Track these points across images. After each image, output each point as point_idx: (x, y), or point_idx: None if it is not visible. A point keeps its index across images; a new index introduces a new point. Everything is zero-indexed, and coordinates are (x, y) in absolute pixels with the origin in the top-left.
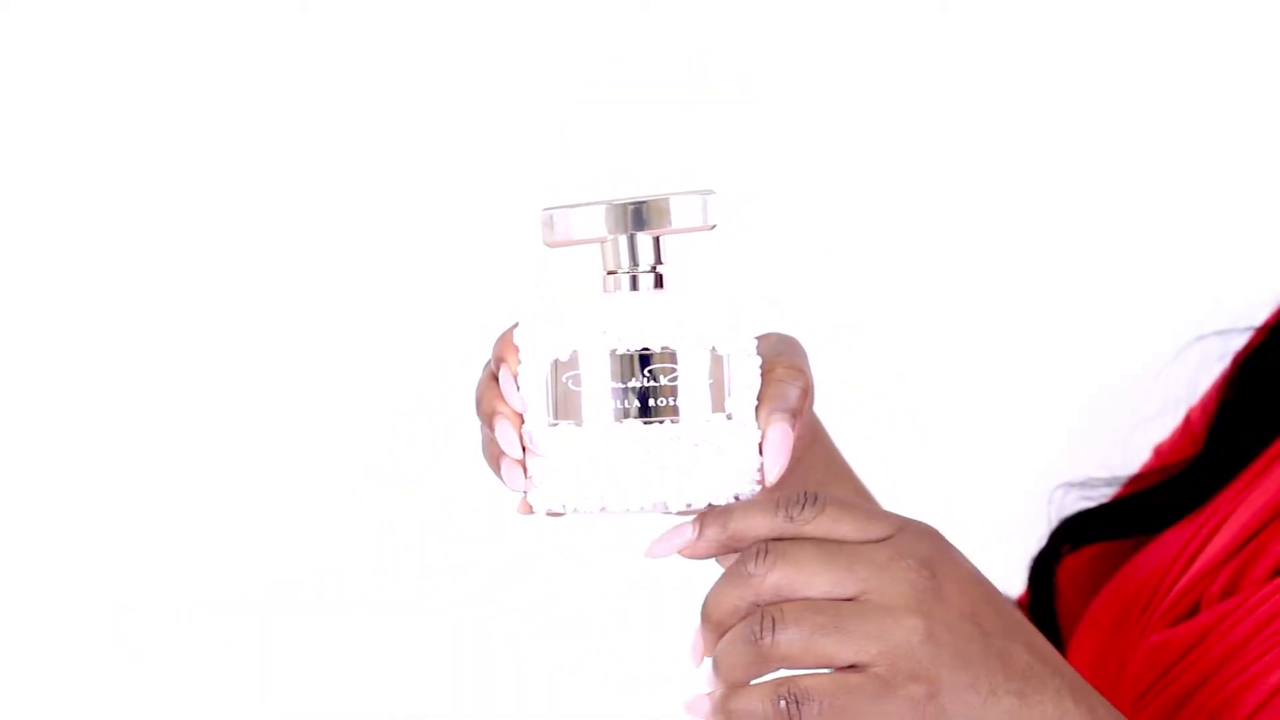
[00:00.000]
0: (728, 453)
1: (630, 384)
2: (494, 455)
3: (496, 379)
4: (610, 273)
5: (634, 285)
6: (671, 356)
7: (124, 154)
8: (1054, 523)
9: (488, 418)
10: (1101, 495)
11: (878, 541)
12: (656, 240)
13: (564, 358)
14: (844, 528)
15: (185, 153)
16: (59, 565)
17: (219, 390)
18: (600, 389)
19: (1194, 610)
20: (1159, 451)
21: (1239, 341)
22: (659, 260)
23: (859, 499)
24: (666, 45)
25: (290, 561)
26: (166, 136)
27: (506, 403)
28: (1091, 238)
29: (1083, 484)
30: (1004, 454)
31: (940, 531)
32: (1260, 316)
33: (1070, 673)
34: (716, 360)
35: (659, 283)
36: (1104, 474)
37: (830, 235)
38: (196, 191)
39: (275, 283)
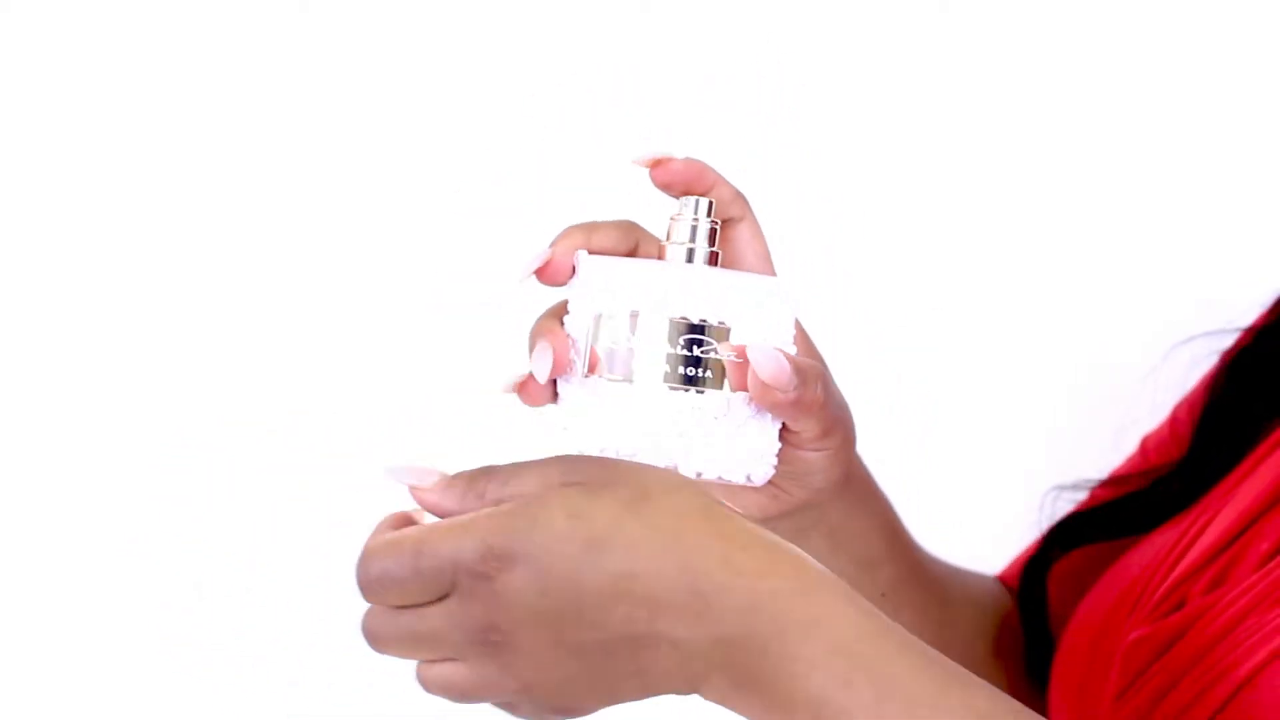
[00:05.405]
0: (746, 431)
1: (679, 350)
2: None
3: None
4: (669, 243)
5: (689, 258)
6: (724, 333)
7: (124, 154)
8: (1045, 526)
9: (534, 338)
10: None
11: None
12: (714, 227)
13: (617, 315)
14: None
15: (186, 153)
16: (59, 569)
17: (219, 394)
18: (652, 350)
19: (1179, 606)
20: (1145, 443)
21: (1227, 343)
22: (714, 243)
23: None
24: (666, 45)
25: (292, 561)
26: (167, 136)
27: (562, 334)
28: (1081, 240)
29: (1074, 487)
30: (994, 458)
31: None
32: (1248, 319)
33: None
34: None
35: (713, 261)
36: (1095, 476)
37: (824, 237)
38: (199, 193)
39: (276, 282)
